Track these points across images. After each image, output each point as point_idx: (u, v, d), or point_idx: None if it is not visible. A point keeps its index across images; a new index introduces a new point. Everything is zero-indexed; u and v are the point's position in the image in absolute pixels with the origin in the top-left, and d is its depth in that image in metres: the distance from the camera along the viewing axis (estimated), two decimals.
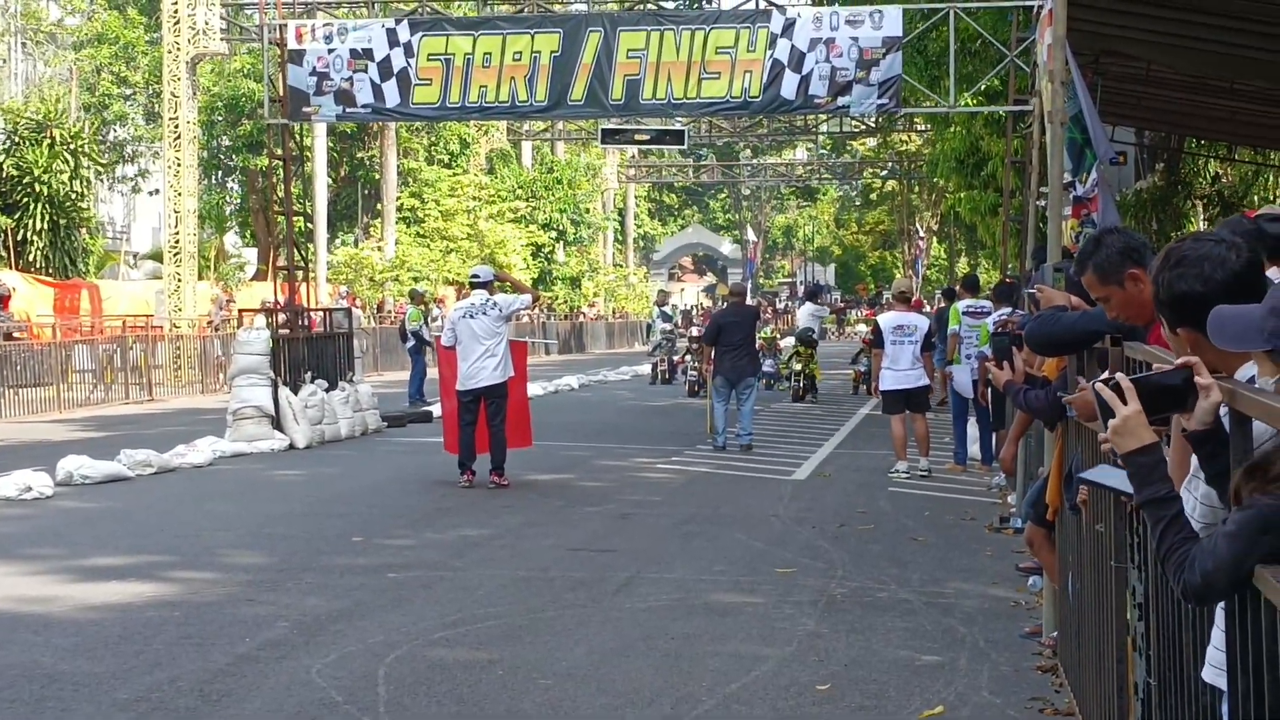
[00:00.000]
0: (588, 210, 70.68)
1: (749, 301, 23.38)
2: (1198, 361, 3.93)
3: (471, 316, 17.99)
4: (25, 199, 45.95)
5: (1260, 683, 3.38)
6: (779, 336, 38.79)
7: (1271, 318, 3.47)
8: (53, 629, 10.26)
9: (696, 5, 25.97)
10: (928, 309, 33.48)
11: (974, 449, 19.68)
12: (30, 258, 46.02)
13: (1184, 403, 3.90)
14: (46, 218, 46.23)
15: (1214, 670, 4.05)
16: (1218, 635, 4.00)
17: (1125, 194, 25.41)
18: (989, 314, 19.32)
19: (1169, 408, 3.98)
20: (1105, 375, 4.63)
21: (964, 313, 19.38)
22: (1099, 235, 6.20)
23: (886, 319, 19.72)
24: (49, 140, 46.67)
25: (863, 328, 43.57)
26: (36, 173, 46.06)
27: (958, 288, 21.77)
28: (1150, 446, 3.88)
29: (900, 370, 19.10)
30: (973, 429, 19.76)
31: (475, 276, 18.85)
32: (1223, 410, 3.95)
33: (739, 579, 12.10)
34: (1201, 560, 3.52)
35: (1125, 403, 3.93)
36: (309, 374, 23.79)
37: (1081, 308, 7.36)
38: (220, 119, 59.58)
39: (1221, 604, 3.75)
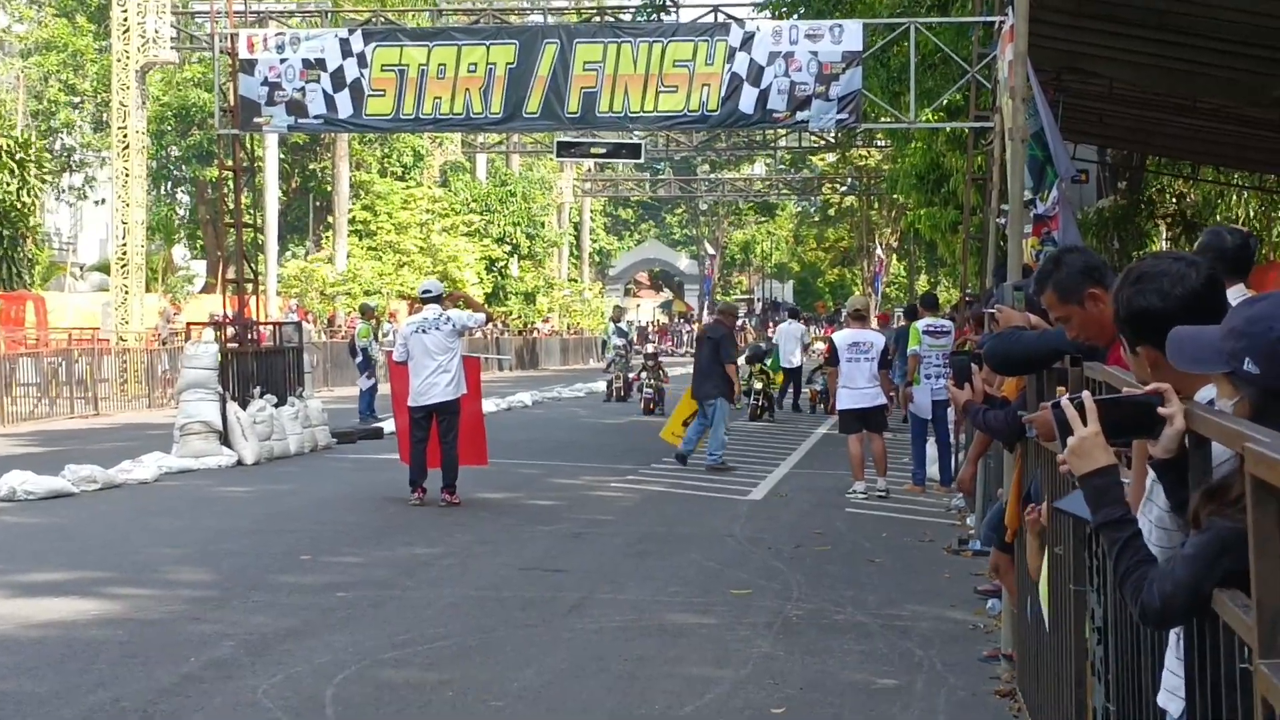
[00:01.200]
0: (543, 224, 70.60)
1: (730, 319, 23.24)
2: (1168, 388, 3.94)
3: (424, 331, 17.95)
4: None
5: (1218, 707, 3.39)
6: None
7: (1230, 339, 3.48)
8: None
9: (654, 18, 25.96)
10: (893, 325, 33.61)
11: (932, 470, 19.76)
12: None
13: (1151, 429, 3.91)
14: None
15: (1167, 694, 4.07)
16: (1171, 659, 4.02)
17: (1087, 212, 25.55)
18: (949, 333, 19.39)
19: (1133, 433, 3.98)
20: (1069, 395, 4.63)
21: (924, 331, 19.44)
22: (1059, 254, 6.23)
23: (842, 336, 19.73)
24: None
25: (820, 345, 43.58)
26: None
27: (918, 305, 21.81)
28: (1107, 468, 3.89)
29: (857, 389, 19.05)
30: (931, 449, 19.84)
31: (426, 291, 18.83)
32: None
33: (693, 600, 12.09)
34: (1160, 583, 3.52)
35: (1085, 423, 3.94)
36: (258, 389, 23.71)
37: (1041, 327, 7.39)
38: (170, 129, 59.43)
39: (1177, 628, 3.77)
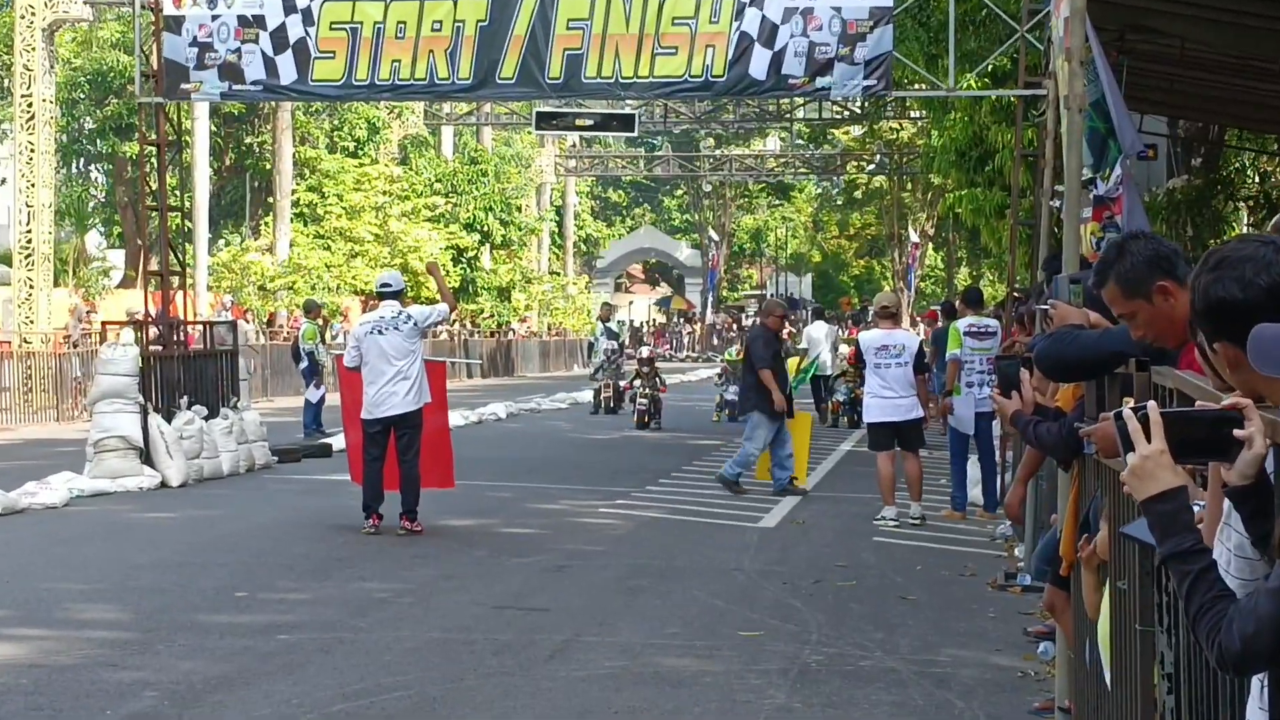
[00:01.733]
0: (519, 209, 70.56)
1: (775, 320, 22.86)
2: (1249, 404, 3.91)
3: (380, 332, 17.88)
4: None
5: None
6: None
7: None
8: None
9: None
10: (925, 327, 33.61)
11: (975, 492, 19.76)
12: None
13: (1225, 451, 3.88)
14: None
15: None
16: (1254, 711, 4.01)
17: (1155, 194, 25.59)
18: (995, 334, 19.39)
19: (1205, 454, 3.97)
20: (1133, 404, 4.62)
21: (965, 333, 19.38)
22: (1123, 241, 6.23)
23: (869, 338, 19.65)
24: None
25: (845, 349, 43.59)
26: None
27: (958, 303, 21.80)
28: (1174, 491, 3.85)
29: (888, 399, 19.00)
30: (974, 470, 19.84)
31: (385, 285, 18.79)
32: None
33: (695, 643, 12.10)
34: (1240, 622, 3.51)
35: (1150, 439, 3.93)
36: (185, 399, 23.67)
37: (1102, 325, 7.38)
38: (83, 97, 59.29)
39: (1261, 674, 3.76)
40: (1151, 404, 4.03)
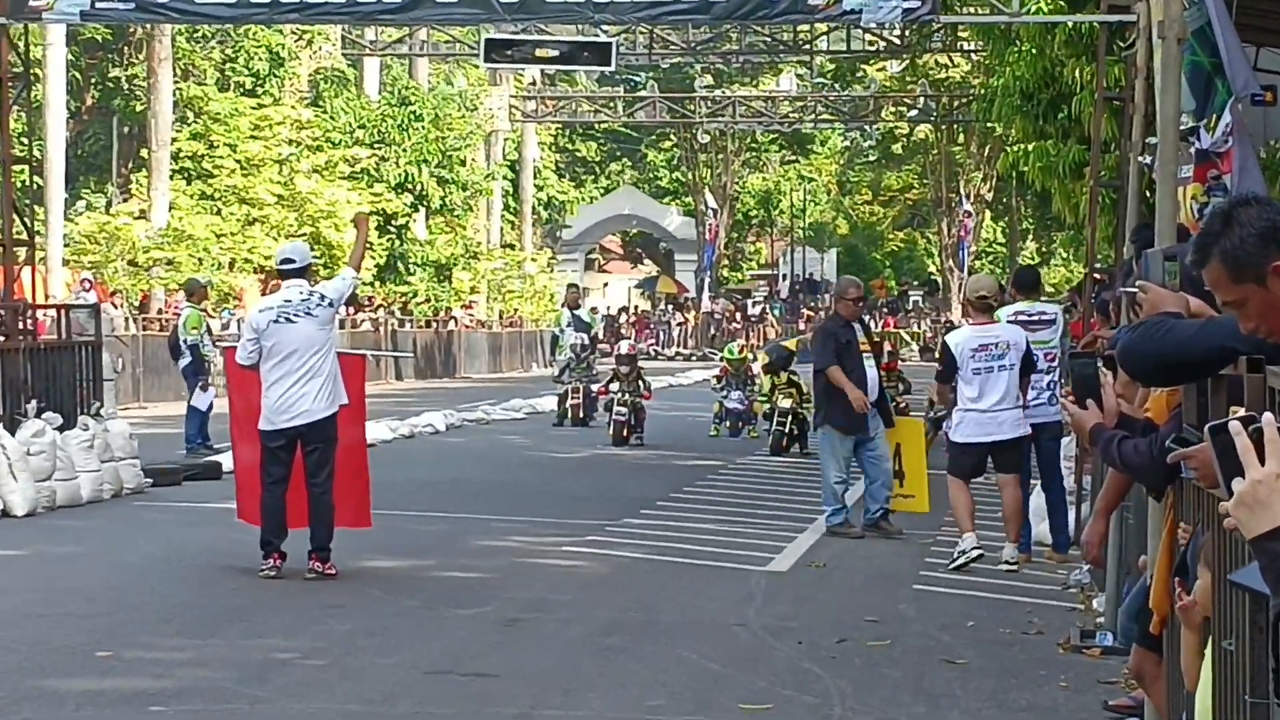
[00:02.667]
0: (462, 163, 70.56)
1: (848, 306, 21.83)
2: None
3: (286, 320, 17.84)
4: None
5: None
6: (752, 358, 38.91)
7: None
8: None
9: None
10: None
11: (1042, 528, 19.79)
12: None
13: None
14: None
15: None
16: None
17: (1274, 148, 25.61)
18: (1053, 323, 19.41)
19: None
20: (1242, 414, 4.66)
21: (1010, 323, 19.34)
22: (1229, 209, 6.08)
23: (961, 337, 19.32)
24: None
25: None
26: None
27: (1009, 286, 21.76)
28: None
29: (990, 411, 18.67)
30: (1037, 499, 19.86)
31: (288, 260, 18.70)
32: None
33: (686, 717, 12.14)
34: None
35: (1264, 461, 3.94)
36: (34, 404, 23.66)
37: (1205, 313, 7.41)
38: None
39: None
40: (1268, 416, 4.05)
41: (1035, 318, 19.35)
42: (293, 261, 18.57)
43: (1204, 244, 6.05)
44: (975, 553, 18.42)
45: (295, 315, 17.84)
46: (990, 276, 21.05)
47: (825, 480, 21.47)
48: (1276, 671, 5.66)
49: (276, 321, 17.91)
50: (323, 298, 17.98)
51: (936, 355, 24.24)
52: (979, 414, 18.59)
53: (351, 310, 54.47)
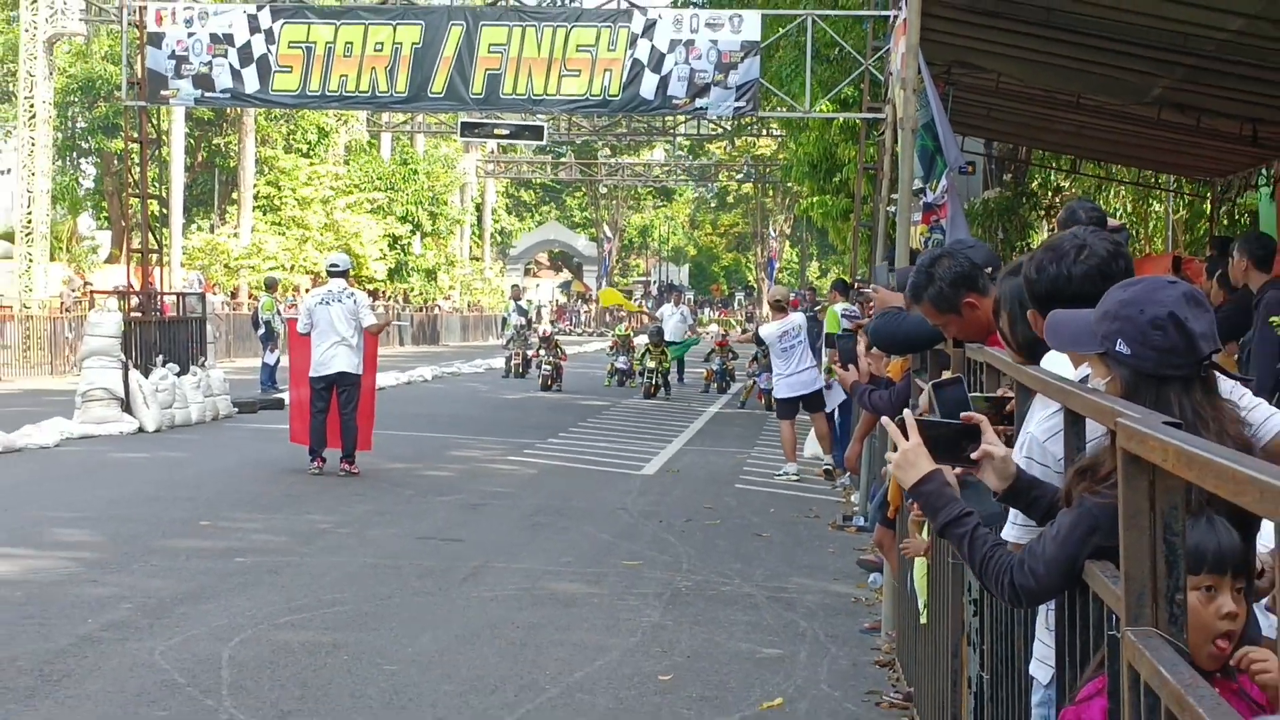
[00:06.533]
0: (445, 203, 70.11)
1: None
2: (984, 421, 4.03)
3: (328, 304, 17.90)
4: None
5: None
6: (632, 334, 38.94)
7: (1104, 321, 3.53)
8: None
9: (559, 3, 25.80)
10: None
11: (818, 449, 19.75)
12: None
13: (961, 457, 4.00)
14: None
15: (1037, 662, 4.14)
16: (1041, 630, 4.08)
17: (974, 203, 25.66)
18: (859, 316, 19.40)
19: (948, 457, 4.05)
20: (948, 376, 4.68)
21: (843, 315, 19.27)
22: (929, 265, 5.92)
23: (770, 330, 19.25)
24: None
25: (715, 328, 43.98)
26: None
27: (832, 291, 21.65)
28: (931, 474, 3.97)
29: (794, 375, 18.59)
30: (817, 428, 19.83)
31: (334, 265, 18.76)
32: (1019, 457, 4.05)
33: (586, 570, 12.12)
34: (1031, 564, 3.57)
35: (907, 438, 4.01)
36: (160, 358, 23.48)
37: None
38: (76, 100, 58.54)
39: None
40: (907, 412, 4.16)
41: (854, 314, 19.28)
42: (337, 266, 18.66)
43: (915, 291, 5.93)
44: (794, 477, 18.41)
45: (333, 302, 17.87)
46: (783, 287, 20.98)
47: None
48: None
49: (321, 304, 17.96)
50: (353, 295, 18.08)
51: (752, 337, 23.98)
52: (790, 378, 18.50)
53: (372, 300, 54.57)
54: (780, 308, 19.44)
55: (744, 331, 44.19)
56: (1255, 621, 3.29)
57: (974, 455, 3.98)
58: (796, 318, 19.13)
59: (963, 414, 4.18)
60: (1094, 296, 3.75)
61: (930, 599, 6.93)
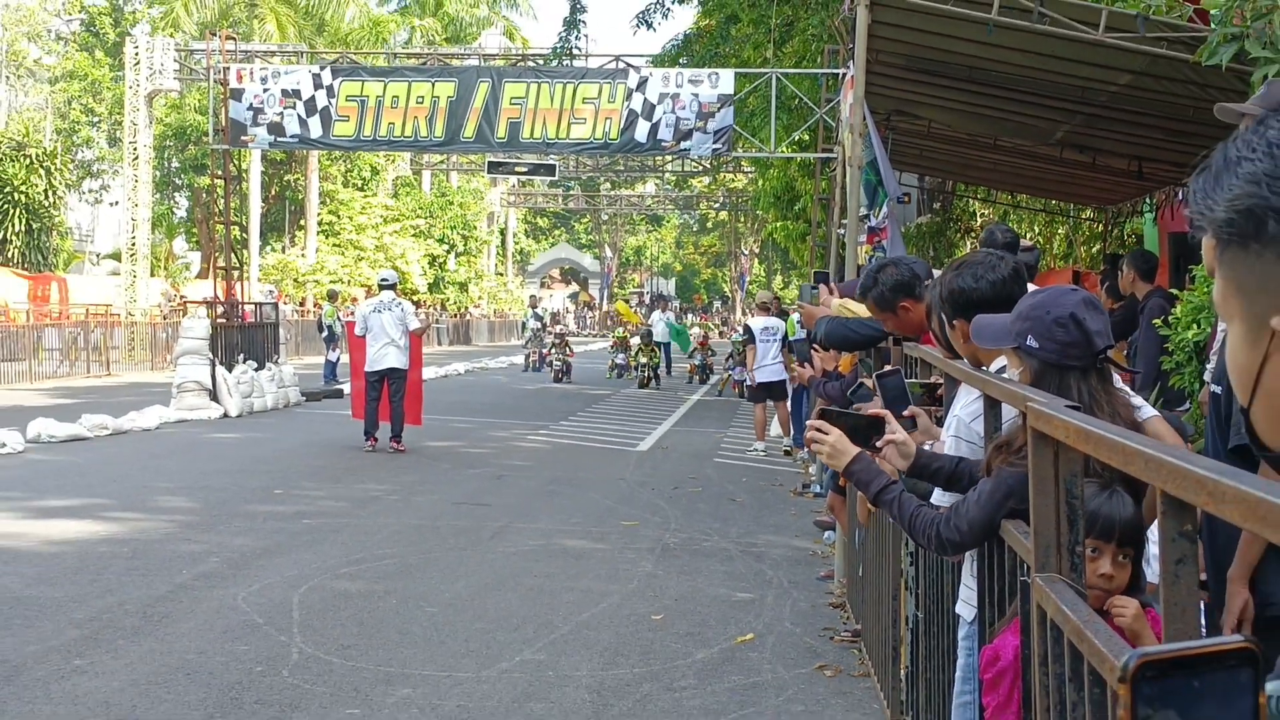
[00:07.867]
0: (475, 228, 70.02)
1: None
2: (887, 414, 4.05)
3: (380, 311, 17.88)
4: (6, 206, 45.72)
5: (1002, 612, 3.46)
6: (629, 335, 38.92)
7: (1017, 321, 3.55)
8: (19, 560, 10.03)
9: (568, 63, 25.80)
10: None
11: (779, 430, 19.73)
12: (9, 255, 45.54)
13: (869, 444, 4.00)
14: (23, 221, 46.25)
15: (963, 603, 4.14)
16: (967, 576, 4.08)
17: (909, 227, 25.64)
18: None
19: (860, 443, 4.05)
20: (889, 368, 4.67)
21: (799, 324, 19.26)
22: (876, 271, 6.00)
23: (757, 323, 19.31)
24: (26, 158, 46.10)
25: (697, 330, 44.06)
26: (16, 184, 45.78)
27: (797, 303, 21.53)
28: (858, 456, 3.96)
29: (770, 365, 18.65)
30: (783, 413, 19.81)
31: (384, 280, 18.68)
32: (948, 435, 4.05)
33: (591, 529, 12.11)
34: (957, 521, 3.57)
35: (828, 433, 4.01)
36: (241, 356, 23.46)
37: (827, 313, 7.54)
38: (171, 144, 58.51)
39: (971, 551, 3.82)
40: (818, 409, 4.18)
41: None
42: (387, 280, 18.55)
43: (863, 291, 6.05)
44: (763, 452, 18.37)
45: (383, 310, 17.82)
46: (767, 292, 21.02)
47: None
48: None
49: (374, 312, 17.92)
50: (401, 305, 18.02)
51: (743, 331, 23.89)
52: (767, 367, 18.53)
53: (416, 308, 54.65)
54: (765, 308, 19.57)
55: (721, 335, 44.38)
56: (1142, 587, 3.29)
57: (878, 444, 4.00)
58: (777, 321, 19.18)
59: (871, 409, 4.20)
60: (1006, 304, 3.80)
61: (874, 548, 6.93)
